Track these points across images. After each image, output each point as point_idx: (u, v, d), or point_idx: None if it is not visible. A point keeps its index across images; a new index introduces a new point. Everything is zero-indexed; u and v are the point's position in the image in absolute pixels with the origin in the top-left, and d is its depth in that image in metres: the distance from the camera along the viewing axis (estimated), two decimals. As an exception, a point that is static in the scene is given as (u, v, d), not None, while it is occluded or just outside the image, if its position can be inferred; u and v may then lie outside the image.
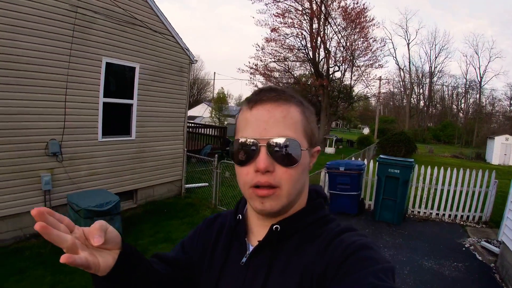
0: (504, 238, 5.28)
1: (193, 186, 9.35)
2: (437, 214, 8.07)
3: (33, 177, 5.69)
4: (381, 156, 7.94)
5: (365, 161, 8.78)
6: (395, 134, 23.85)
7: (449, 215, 7.99)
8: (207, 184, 9.11)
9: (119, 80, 7.08)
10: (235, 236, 0.98)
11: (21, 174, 5.53)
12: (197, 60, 8.81)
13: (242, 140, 0.83)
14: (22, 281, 4.56)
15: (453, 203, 7.93)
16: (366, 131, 51.21)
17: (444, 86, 60.12)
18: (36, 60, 5.47)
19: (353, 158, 10.81)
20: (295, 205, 0.89)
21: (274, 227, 0.86)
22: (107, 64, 6.55)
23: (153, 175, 7.97)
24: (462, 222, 7.76)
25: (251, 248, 0.91)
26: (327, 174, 8.23)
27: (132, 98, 7.17)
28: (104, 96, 6.55)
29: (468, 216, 7.87)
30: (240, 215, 0.98)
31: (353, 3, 24.52)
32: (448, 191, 7.97)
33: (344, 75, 27.48)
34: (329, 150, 23.92)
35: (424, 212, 8.14)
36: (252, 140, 0.81)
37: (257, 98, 0.85)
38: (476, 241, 6.47)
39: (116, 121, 7.02)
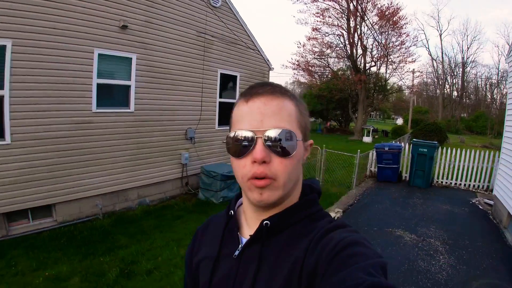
0: (495, 192, 8.29)
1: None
2: (455, 183, 11.10)
3: (176, 154, 8.73)
4: (414, 139, 11.39)
5: (402, 144, 11.82)
6: (427, 125, 25.78)
7: (464, 184, 11.00)
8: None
9: (227, 85, 10.26)
10: (227, 231, 1.03)
11: (169, 152, 8.55)
12: (273, 68, 11.89)
13: (238, 132, 0.87)
14: (185, 222, 7.01)
15: (467, 176, 10.94)
16: (399, 121, 52.16)
17: (478, 76, 60.24)
18: (184, 72, 8.64)
19: (393, 142, 13.99)
20: (289, 197, 0.94)
21: (264, 222, 0.91)
22: (221, 74, 9.76)
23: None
24: (474, 190, 10.74)
25: (244, 242, 0.96)
26: (375, 153, 11.46)
27: (235, 98, 10.27)
28: (219, 98, 9.77)
29: (478, 186, 10.84)
30: (232, 211, 1.04)
31: (388, 4, 27.01)
32: (464, 166, 10.96)
33: (379, 69, 29.99)
34: (367, 139, 26.53)
35: (446, 182, 11.19)
36: (249, 132, 0.85)
37: (252, 92, 0.90)
38: (481, 199, 9.47)
39: (224, 114, 10.02)
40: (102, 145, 7.13)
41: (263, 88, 0.90)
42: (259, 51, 11.20)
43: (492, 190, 10.34)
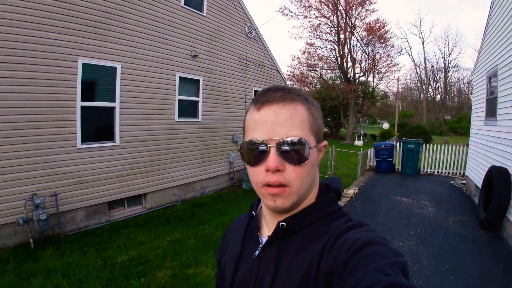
0: (467, 173, 11.72)
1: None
2: (438, 171, 14.56)
3: (226, 154, 11.50)
4: (403, 138, 14.98)
5: (394, 143, 15.18)
6: (413, 128, 28.56)
7: (445, 172, 14.47)
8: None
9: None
10: (249, 231, 1.10)
11: (222, 152, 11.29)
12: (292, 84, 15.06)
13: (252, 141, 0.92)
14: (246, 203, 9.11)
15: (447, 165, 14.42)
16: (385, 125, 53.97)
17: (460, 79, 62.89)
18: (232, 90, 11.57)
19: (388, 142, 17.69)
20: (305, 200, 0.99)
21: (280, 224, 0.96)
22: (254, 90, 12.84)
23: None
24: (452, 176, 14.19)
25: (263, 242, 1.02)
26: (373, 151, 14.95)
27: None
28: (253, 109, 12.81)
29: (456, 172, 14.28)
30: (254, 212, 1.12)
31: (374, 20, 30.65)
32: (443, 158, 14.43)
33: (367, 78, 33.56)
34: (358, 142, 29.66)
35: (430, 171, 14.68)
36: (261, 141, 0.90)
37: (264, 99, 0.92)
38: (457, 181, 12.88)
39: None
40: (180, 147, 9.45)
41: (274, 94, 0.92)
42: (278, 71, 14.42)
43: (466, 176, 13.67)
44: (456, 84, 63.22)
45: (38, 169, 6.29)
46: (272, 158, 0.88)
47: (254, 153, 0.91)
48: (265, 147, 0.89)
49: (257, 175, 0.92)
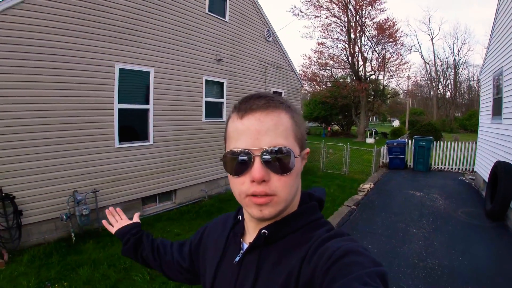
0: (475, 169, 12.40)
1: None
2: (448, 168, 15.28)
3: None
4: (415, 136, 15.65)
5: (406, 140, 15.91)
6: (423, 125, 29.14)
7: (455, 168, 15.17)
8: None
9: (275, 99, 14.11)
10: (232, 235, 1.11)
11: None
12: (304, 83, 15.86)
13: (235, 151, 0.89)
14: None
15: (457, 161, 15.13)
16: (396, 123, 54.94)
17: (470, 76, 62.48)
18: (253, 91, 12.16)
19: (400, 139, 18.35)
20: (288, 208, 0.96)
21: (262, 231, 0.96)
22: (273, 91, 13.53)
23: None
24: (461, 171, 14.87)
25: (245, 248, 1.03)
26: (386, 148, 15.74)
27: (280, 109, 14.29)
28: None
29: (465, 168, 14.97)
30: (240, 216, 1.12)
31: (385, 19, 31.31)
32: (453, 155, 15.16)
33: (378, 77, 34.25)
34: (370, 140, 30.44)
35: (441, 167, 15.39)
36: (245, 151, 0.87)
37: (246, 107, 0.91)
38: (466, 176, 13.59)
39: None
40: (206, 145, 10.02)
41: (257, 102, 0.91)
42: (294, 72, 15.23)
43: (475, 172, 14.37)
44: (466, 81, 63.08)
45: (79, 167, 6.80)
46: (257, 168, 0.87)
47: (237, 163, 0.90)
48: (249, 157, 0.88)
49: (241, 185, 0.91)
